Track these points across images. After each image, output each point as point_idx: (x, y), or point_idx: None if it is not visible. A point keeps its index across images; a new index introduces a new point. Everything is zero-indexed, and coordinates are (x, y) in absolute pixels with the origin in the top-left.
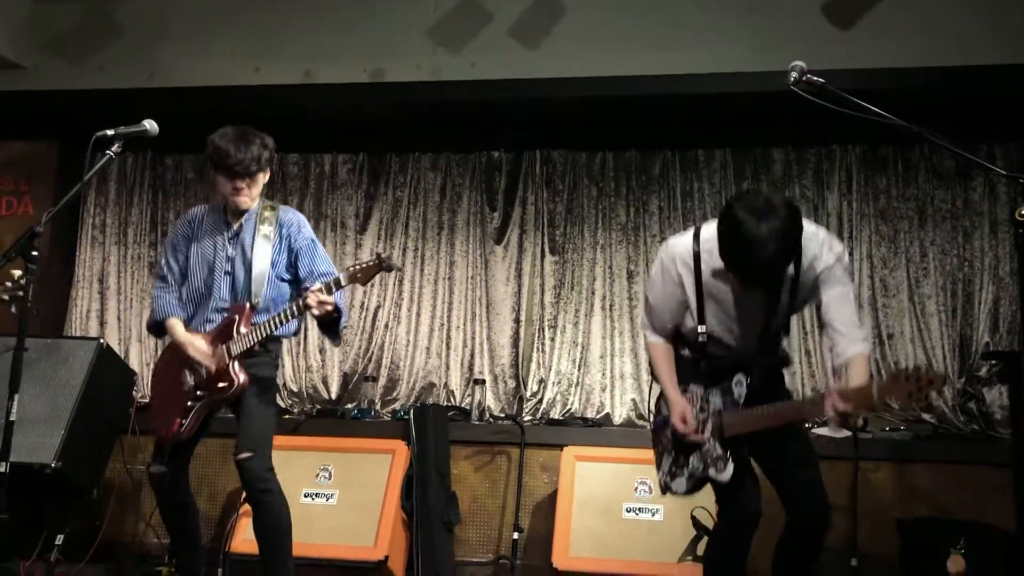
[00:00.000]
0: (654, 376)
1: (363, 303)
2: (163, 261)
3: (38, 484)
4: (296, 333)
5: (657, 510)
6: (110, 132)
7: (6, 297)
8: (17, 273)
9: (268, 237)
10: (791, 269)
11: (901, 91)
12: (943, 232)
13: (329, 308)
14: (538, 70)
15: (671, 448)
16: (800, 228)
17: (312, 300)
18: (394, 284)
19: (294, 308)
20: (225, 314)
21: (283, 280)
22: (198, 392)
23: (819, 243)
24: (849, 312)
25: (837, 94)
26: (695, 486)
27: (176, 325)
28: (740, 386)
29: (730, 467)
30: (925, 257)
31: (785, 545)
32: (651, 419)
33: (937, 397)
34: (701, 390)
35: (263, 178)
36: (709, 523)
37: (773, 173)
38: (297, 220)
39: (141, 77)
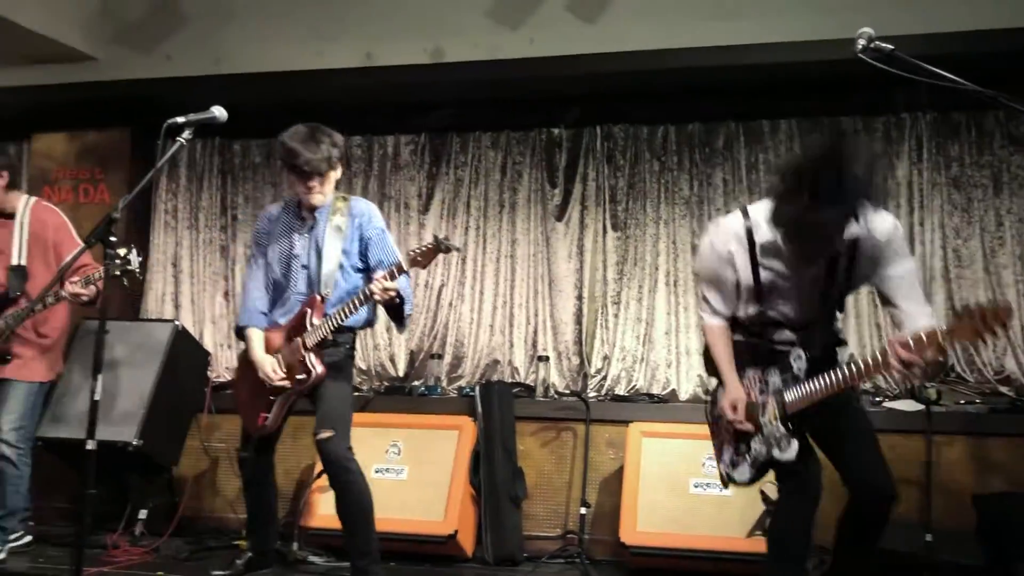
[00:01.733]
0: (709, 362)
1: (427, 282)
2: (252, 256)
3: (122, 461)
4: (369, 324)
5: None
6: (180, 119)
7: (118, 272)
8: (123, 251)
9: (340, 228)
10: (850, 234)
11: (974, 55)
12: (1020, 200)
13: (392, 294)
14: (597, 44)
15: (731, 439)
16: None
17: (376, 287)
18: (457, 263)
19: (361, 296)
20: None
21: (358, 271)
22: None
23: (874, 215)
24: (917, 290)
25: (906, 60)
26: (758, 473)
27: (253, 337)
28: (800, 360)
29: (795, 445)
30: (1001, 226)
31: (847, 520)
32: (709, 411)
33: (1004, 331)
34: (759, 372)
35: (335, 175)
36: None
37: None
38: (369, 210)
39: (207, 64)
